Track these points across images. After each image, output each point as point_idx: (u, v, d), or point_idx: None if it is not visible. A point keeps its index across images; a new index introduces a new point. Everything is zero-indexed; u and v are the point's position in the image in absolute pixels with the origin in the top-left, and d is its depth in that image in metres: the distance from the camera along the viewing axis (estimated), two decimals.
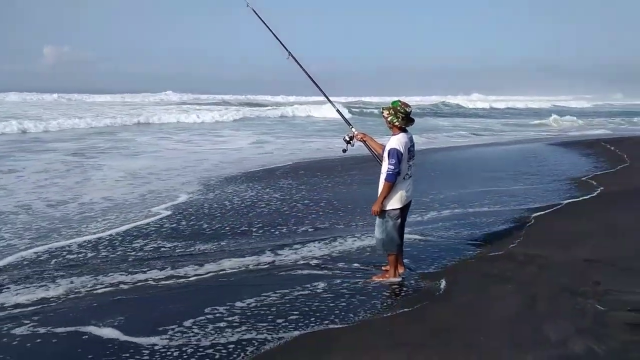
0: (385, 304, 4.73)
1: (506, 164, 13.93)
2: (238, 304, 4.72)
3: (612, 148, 15.50)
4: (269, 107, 42.62)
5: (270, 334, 4.10)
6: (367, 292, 4.98)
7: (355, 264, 5.76)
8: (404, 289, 5.09)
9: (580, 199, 8.64)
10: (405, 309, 4.52)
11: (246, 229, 7.40)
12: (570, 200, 8.50)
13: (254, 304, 4.71)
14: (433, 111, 47.52)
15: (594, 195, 8.93)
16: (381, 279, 5.26)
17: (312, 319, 4.38)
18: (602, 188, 9.40)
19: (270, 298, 4.85)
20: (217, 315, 4.52)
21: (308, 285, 5.12)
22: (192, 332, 4.21)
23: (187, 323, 4.36)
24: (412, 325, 4.23)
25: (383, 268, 5.46)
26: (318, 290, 5.00)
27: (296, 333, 4.12)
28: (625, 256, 5.54)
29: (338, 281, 5.23)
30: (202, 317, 4.47)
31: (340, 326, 4.25)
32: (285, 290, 5.00)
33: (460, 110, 51.67)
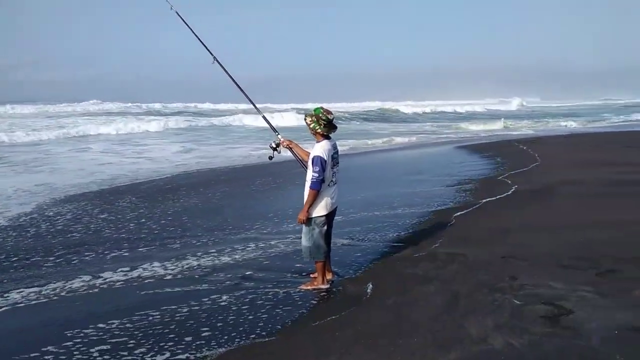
0: (312, 312, 4.70)
1: (426, 166, 14.46)
2: (102, 325, 4.45)
3: (525, 148, 16.50)
4: (212, 116, 40.76)
5: (193, 354, 3.93)
6: (293, 301, 4.94)
7: (244, 272, 5.73)
8: (332, 295, 5.10)
9: (497, 197, 9.08)
10: (333, 316, 4.51)
11: (40, 259, 6.56)
12: (487, 200, 8.90)
13: (131, 325, 4.45)
14: (365, 117, 48.24)
15: (509, 193, 9.41)
16: (310, 287, 5.24)
17: (234, 334, 4.25)
18: (516, 186, 9.94)
19: (150, 318, 4.59)
20: (92, 337, 4.23)
21: (206, 300, 4.98)
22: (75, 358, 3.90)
23: (51, 349, 4.04)
24: (341, 331, 4.22)
25: (311, 276, 5.44)
26: (222, 304, 4.88)
27: (222, 350, 3.99)
28: (538, 251, 5.86)
29: (242, 292, 5.15)
30: (69, 342, 4.15)
31: (268, 339, 4.17)
32: (168, 307, 4.78)
33: (391, 115, 52.73)
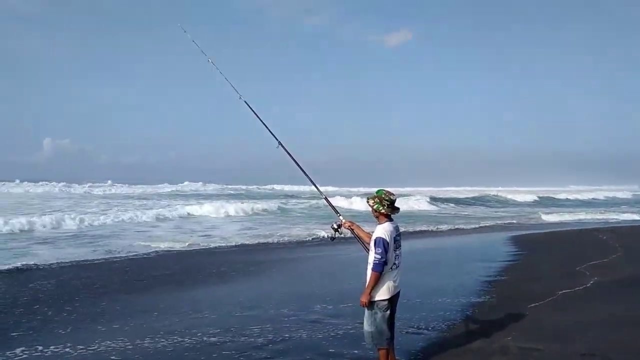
0: None
1: (498, 252, 13.82)
2: None
3: (605, 238, 15.49)
4: (307, 198, 41.52)
5: None
6: None
7: None
8: None
9: (575, 289, 8.46)
10: None
11: None
12: (565, 291, 8.31)
13: None
14: (465, 201, 47.81)
15: (588, 285, 8.76)
16: None
17: None
18: (596, 278, 9.25)
19: None
20: None
21: None
22: None
23: None
24: None
25: None
26: None
27: None
28: (621, 349, 5.32)
29: None
30: None
31: None
32: None
33: (490, 200, 51.64)
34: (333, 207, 6.10)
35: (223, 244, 16.17)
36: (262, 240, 17.16)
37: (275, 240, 17.24)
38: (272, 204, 34.26)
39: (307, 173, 6.40)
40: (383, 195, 5.00)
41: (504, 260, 12.25)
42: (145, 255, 13.46)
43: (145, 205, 32.71)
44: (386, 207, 4.97)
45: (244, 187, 63.76)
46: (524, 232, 19.67)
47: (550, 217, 31.19)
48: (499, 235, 19.41)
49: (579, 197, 61.24)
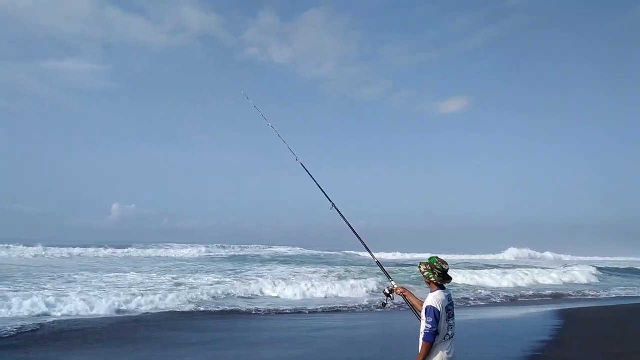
0: None
1: (545, 326, 12.98)
2: None
3: None
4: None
5: None
6: None
7: None
8: None
9: None
10: None
11: None
12: None
13: None
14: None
15: None
16: None
17: None
18: None
19: None
20: None
21: None
22: None
23: None
24: None
25: None
26: None
27: None
28: None
29: None
30: None
31: None
32: None
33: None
34: (385, 271, 6.03)
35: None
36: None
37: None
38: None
39: (358, 235, 6.41)
40: (435, 264, 4.90)
41: (549, 335, 11.49)
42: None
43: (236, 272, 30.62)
44: (437, 277, 4.86)
45: (320, 252, 62.94)
46: (593, 305, 18.46)
47: None
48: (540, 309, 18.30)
49: None
